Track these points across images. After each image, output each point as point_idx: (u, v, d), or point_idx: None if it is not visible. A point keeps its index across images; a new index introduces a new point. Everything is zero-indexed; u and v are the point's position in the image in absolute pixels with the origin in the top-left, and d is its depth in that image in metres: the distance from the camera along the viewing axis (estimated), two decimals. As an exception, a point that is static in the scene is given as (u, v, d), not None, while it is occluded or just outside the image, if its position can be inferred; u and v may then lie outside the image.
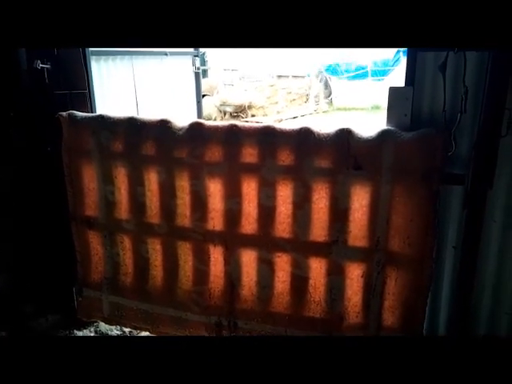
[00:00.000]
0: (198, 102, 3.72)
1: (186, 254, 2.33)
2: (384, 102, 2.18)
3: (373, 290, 2.09)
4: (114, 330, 2.80)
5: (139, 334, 2.75)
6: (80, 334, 2.76)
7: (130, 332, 2.77)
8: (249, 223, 2.20)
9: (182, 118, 2.33)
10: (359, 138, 1.98)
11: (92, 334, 2.78)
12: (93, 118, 2.37)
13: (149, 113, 2.94)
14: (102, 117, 2.33)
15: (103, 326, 2.80)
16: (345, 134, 1.98)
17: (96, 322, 2.78)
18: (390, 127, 2.01)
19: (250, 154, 2.12)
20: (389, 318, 2.12)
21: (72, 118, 2.39)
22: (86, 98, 2.56)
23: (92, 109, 2.59)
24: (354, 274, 2.11)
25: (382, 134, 1.95)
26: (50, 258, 2.79)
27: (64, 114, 2.40)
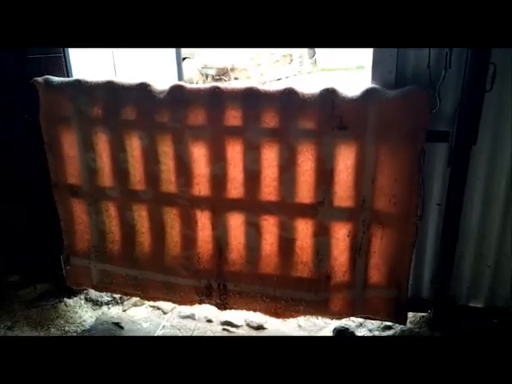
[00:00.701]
0: (179, 65, 3.60)
1: (172, 219, 2.32)
2: (368, 62, 2.15)
3: (359, 249, 2.13)
4: (105, 297, 2.82)
5: (129, 300, 2.78)
6: (70, 301, 2.78)
7: (121, 298, 2.80)
8: (234, 188, 2.18)
9: (162, 81, 2.27)
10: (344, 98, 1.95)
11: (82, 302, 2.81)
12: (70, 82, 2.28)
13: (127, 76, 2.85)
14: (79, 81, 2.24)
15: (93, 293, 2.82)
16: (329, 94, 1.95)
17: (86, 289, 2.80)
18: (374, 85, 1.98)
19: (233, 117, 2.08)
20: (374, 275, 2.17)
21: (48, 83, 2.30)
22: (61, 62, 2.46)
23: (68, 73, 2.49)
24: (340, 233, 2.13)
25: (367, 93, 1.93)
26: (38, 227, 2.76)
27: (39, 79, 2.31)
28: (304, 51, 11.52)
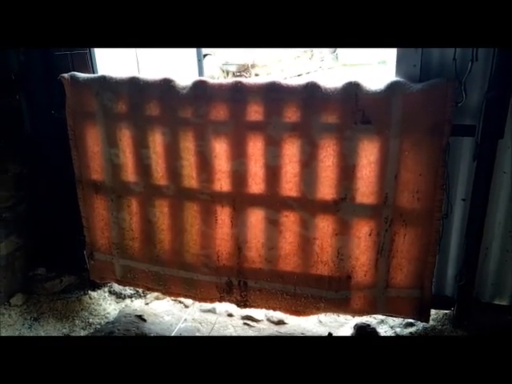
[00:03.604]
0: (199, 61, 3.60)
1: (192, 216, 2.33)
2: (391, 56, 2.12)
3: (381, 249, 2.10)
4: (128, 290, 2.87)
5: (152, 293, 2.82)
6: (94, 294, 2.84)
7: (143, 291, 2.84)
8: (255, 183, 2.18)
9: (184, 76, 2.28)
10: (367, 91, 1.92)
11: (106, 295, 2.86)
12: (95, 78, 2.32)
13: (150, 72, 2.88)
14: (104, 77, 2.28)
15: (117, 286, 2.87)
16: (353, 88, 1.93)
17: (110, 282, 2.85)
18: (398, 79, 1.95)
19: (255, 112, 2.08)
20: (397, 275, 2.13)
21: (74, 79, 2.34)
22: (86, 58, 2.51)
23: (93, 69, 2.54)
24: (362, 232, 2.10)
25: (391, 86, 1.90)
26: (64, 221, 2.82)
27: (66, 75, 2.36)
28: (325, 47, 11.41)
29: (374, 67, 9.96)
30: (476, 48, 1.85)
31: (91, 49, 2.51)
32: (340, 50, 11.36)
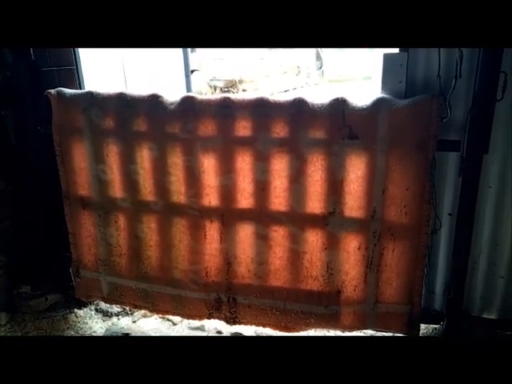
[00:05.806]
0: (187, 77, 3.63)
1: (181, 232, 2.32)
2: (376, 72, 2.15)
3: (370, 263, 2.10)
4: (115, 308, 2.82)
5: (139, 311, 2.77)
6: (80, 312, 2.79)
7: (130, 309, 2.79)
8: (244, 198, 2.18)
9: (172, 92, 2.29)
10: (354, 107, 1.95)
11: (93, 313, 2.81)
12: (82, 94, 2.31)
13: (137, 88, 2.89)
14: (91, 93, 2.28)
15: (103, 304, 2.82)
16: (339, 104, 1.95)
17: (96, 300, 2.79)
18: (384, 95, 1.98)
19: (243, 127, 2.09)
20: (386, 290, 2.13)
21: (61, 95, 2.34)
22: (73, 75, 2.50)
23: (80, 85, 2.53)
24: (351, 246, 2.10)
25: (377, 102, 1.93)
26: (50, 238, 2.77)
27: (52, 91, 2.35)
28: (311, 63, 11.59)
29: (359, 83, 10.11)
30: (460, 63, 1.88)
31: (78, 64, 2.50)
32: (326, 67, 11.53)
